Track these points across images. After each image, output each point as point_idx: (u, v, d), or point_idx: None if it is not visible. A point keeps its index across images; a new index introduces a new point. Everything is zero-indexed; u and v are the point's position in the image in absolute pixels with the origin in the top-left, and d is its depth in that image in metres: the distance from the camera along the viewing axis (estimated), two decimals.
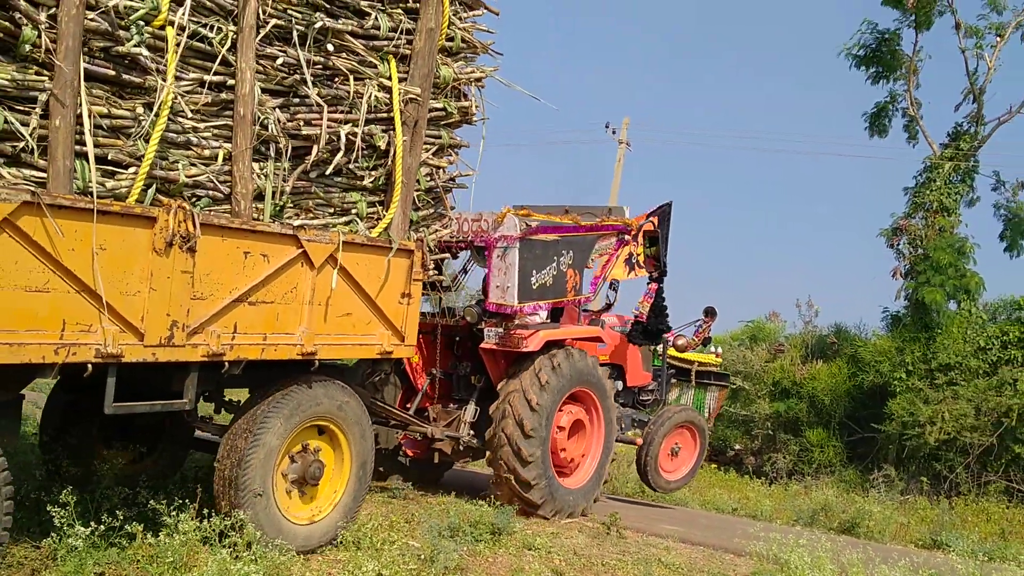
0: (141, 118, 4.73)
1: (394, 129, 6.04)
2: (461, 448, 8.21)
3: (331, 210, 5.87)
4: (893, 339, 17.34)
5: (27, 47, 4.27)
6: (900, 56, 18.37)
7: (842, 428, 17.33)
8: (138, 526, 4.84)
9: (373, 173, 6.05)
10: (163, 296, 4.75)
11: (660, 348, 10.11)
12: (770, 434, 17.69)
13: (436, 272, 7.22)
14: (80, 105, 4.43)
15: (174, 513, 4.95)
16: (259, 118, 5.24)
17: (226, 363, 5.16)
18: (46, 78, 4.34)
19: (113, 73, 4.63)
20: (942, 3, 17.62)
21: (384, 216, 6.10)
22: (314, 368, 5.69)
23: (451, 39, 6.48)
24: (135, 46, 4.66)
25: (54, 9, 4.36)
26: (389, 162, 6.08)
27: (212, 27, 5.04)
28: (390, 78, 6.00)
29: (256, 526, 5.20)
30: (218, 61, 5.03)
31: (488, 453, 7.97)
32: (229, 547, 4.96)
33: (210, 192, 5.08)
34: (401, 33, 6.05)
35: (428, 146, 6.48)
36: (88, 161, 4.48)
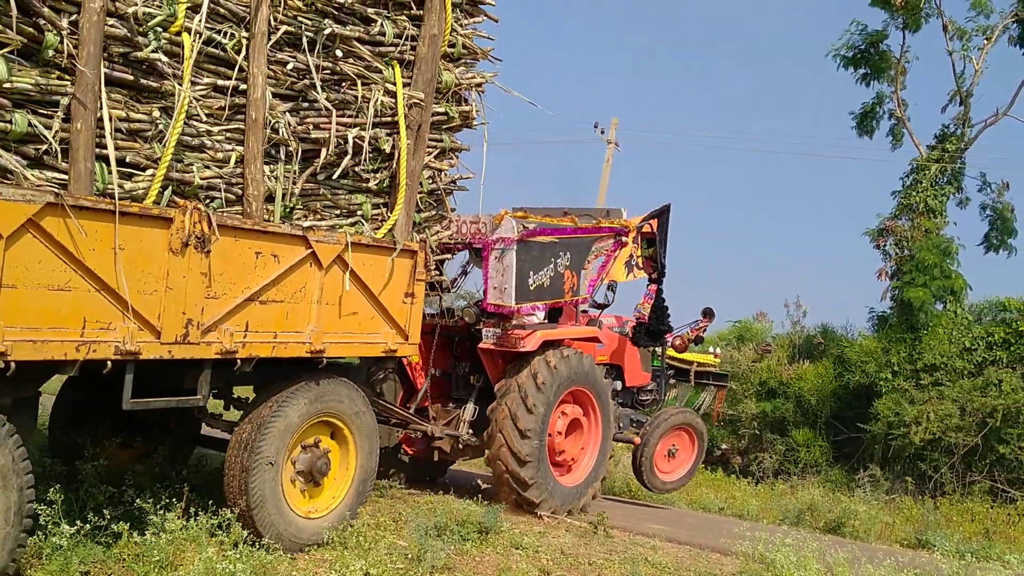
0: (158, 121, 4.86)
1: (398, 133, 6.18)
2: (460, 446, 8.35)
3: (337, 212, 6.01)
4: (879, 340, 17.48)
5: (50, 52, 4.39)
6: (888, 57, 18.55)
7: (828, 428, 17.49)
8: (124, 525, 4.85)
9: (378, 176, 6.20)
10: (179, 295, 4.88)
11: (659, 349, 10.28)
12: (757, 434, 17.79)
13: (438, 273, 7.37)
14: (100, 109, 4.56)
15: (160, 512, 4.99)
16: (270, 122, 5.38)
17: (238, 360, 5.29)
18: (68, 82, 4.46)
19: (131, 78, 4.76)
20: (930, 5, 17.82)
21: (388, 218, 6.25)
22: (321, 366, 5.83)
23: (453, 45, 6.64)
24: (153, 52, 4.79)
25: (76, 15, 4.48)
26: (393, 165, 6.23)
27: (225, 33, 5.18)
28: (395, 83, 6.15)
29: (259, 497, 5.38)
30: (236, 68, 5.16)
31: (487, 452, 8.12)
32: (216, 545, 4.99)
33: (223, 194, 5.22)
34: (405, 39, 6.21)
35: (430, 149, 6.64)
36: (107, 163, 4.60)
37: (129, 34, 4.70)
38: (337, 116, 5.74)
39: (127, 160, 4.75)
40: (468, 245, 8.31)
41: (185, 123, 4.97)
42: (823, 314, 34.32)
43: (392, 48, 6.14)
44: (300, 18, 5.55)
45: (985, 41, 17.86)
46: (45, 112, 4.42)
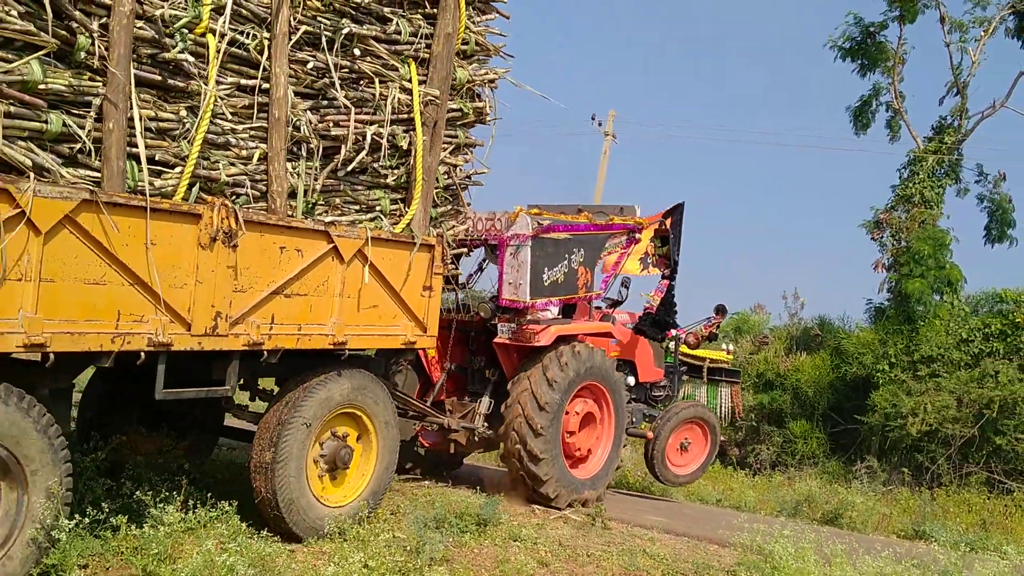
0: (185, 120, 5.01)
1: (415, 129, 6.32)
2: (476, 439, 8.49)
3: (357, 207, 6.15)
4: (876, 331, 17.44)
5: (82, 54, 4.54)
6: (885, 49, 18.56)
7: (825, 420, 17.49)
8: (122, 517, 4.85)
9: (395, 172, 6.34)
10: (208, 288, 5.03)
11: (672, 345, 10.39)
12: (754, 426, 17.76)
13: (454, 267, 7.51)
14: (131, 109, 4.71)
15: (160, 504, 5.04)
16: (292, 120, 5.53)
17: (265, 352, 5.44)
18: (100, 83, 4.61)
19: (159, 78, 4.90)
20: None
21: (406, 213, 6.39)
22: (344, 357, 5.98)
23: (466, 43, 6.77)
24: (179, 53, 4.94)
25: (105, 18, 4.63)
26: (410, 161, 6.38)
27: (248, 34, 5.32)
28: (411, 81, 6.29)
29: (286, 453, 5.56)
30: (259, 67, 5.30)
31: (501, 445, 8.26)
32: (215, 538, 5.01)
33: (248, 190, 5.36)
34: (421, 37, 6.35)
35: (446, 145, 6.78)
36: (138, 162, 4.75)
37: (157, 36, 4.84)
38: (356, 114, 5.89)
39: (156, 158, 4.89)
40: (484, 242, 8.45)
41: (211, 122, 5.12)
42: (820, 306, 34.33)
43: (408, 46, 6.28)
44: (319, 18, 5.69)
45: (982, 33, 17.87)
46: (78, 112, 4.56)
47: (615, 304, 10.06)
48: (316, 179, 5.77)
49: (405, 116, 6.29)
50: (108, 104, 4.61)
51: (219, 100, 5.19)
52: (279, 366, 5.68)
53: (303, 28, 5.59)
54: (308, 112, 5.67)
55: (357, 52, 5.92)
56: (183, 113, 5.02)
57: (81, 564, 4.67)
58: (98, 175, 4.61)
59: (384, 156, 6.11)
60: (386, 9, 6.12)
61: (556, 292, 8.46)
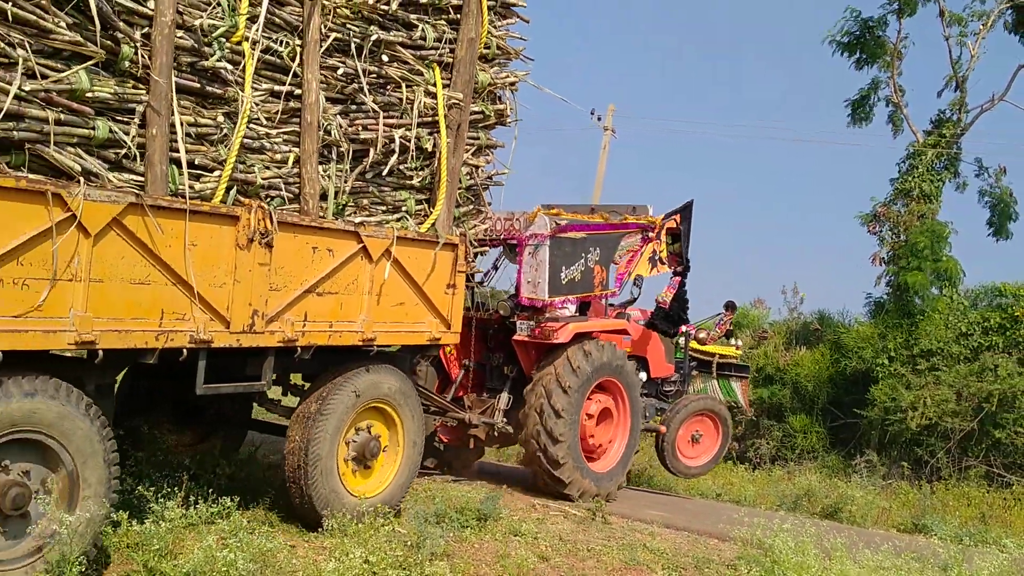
0: (222, 126, 5.20)
1: (439, 132, 6.51)
2: (495, 434, 8.68)
3: (383, 207, 6.35)
4: (875, 325, 17.47)
5: (126, 63, 4.73)
6: (884, 43, 18.53)
7: (825, 414, 17.54)
8: (123, 513, 4.79)
9: (420, 173, 6.53)
10: (245, 287, 5.23)
11: (682, 341, 10.58)
12: (754, 420, 17.75)
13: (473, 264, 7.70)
14: (173, 115, 4.90)
15: (161, 500, 5.08)
16: (323, 124, 5.72)
17: (298, 348, 5.64)
18: (143, 91, 4.80)
19: (198, 85, 5.10)
20: None
21: (431, 213, 6.58)
22: (372, 353, 6.17)
23: (487, 46, 6.95)
24: (218, 61, 5.13)
25: (147, 28, 4.82)
26: (435, 163, 6.56)
27: (281, 42, 5.51)
28: (435, 85, 6.47)
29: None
30: (291, 74, 5.49)
31: (521, 437, 8.45)
32: (216, 534, 5.03)
33: (282, 193, 5.56)
34: (445, 43, 6.53)
35: (468, 147, 6.96)
36: (179, 166, 4.95)
37: (196, 45, 5.04)
38: (384, 118, 6.07)
39: (196, 162, 5.09)
40: (503, 241, 8.64)
41: (247, 127, 5.31)
42: (820, 300, 34.36)
43: (432, 51, 6.47)
44: (348, 25, 5.88)
45: (981, 26, 17.85)
46: (123, 119, 4.76)
47: (628, 302, 10.23)
48: (346, 181, 5.96)
49: (430, 119, 6.48)
50: (151, 111, 4.80)
51: (254, 106, 5.38)
52: (310, 362, 5.87)
53: (333, 35, 5.78)
54: (338, 116, 5.86)
55: (385, 58, 6.10)
56: (220, 119, 5.21)
57: (82, 560, 4.57)
58: (142, 179, 4.80)
59: (411, 158, 6.29)
60: (412, 16, 6.31)
61: (573, 290, 8.65)
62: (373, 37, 5.98)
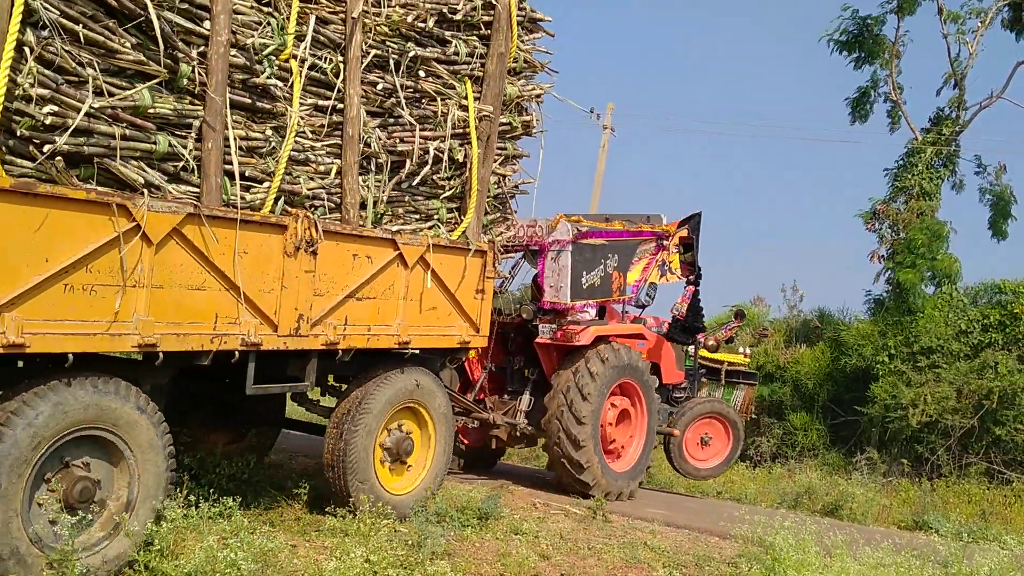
0: (270, 139, 5.47)
1: (470, 144, 6.77)
2: (517, 434, 8.95)
3: (417, 216, 6.62)
4: (875, 323, 17.36)
5: (184, 80, 5.01)
6: (882, 41, 18.47)
7: (825, 411, 17.46)
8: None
9: (451, 183, 6.80)
10: (292, 293, 5.50)
11: (692, 348, 10.80)
12: (754, 418, 17.33)
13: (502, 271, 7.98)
14: (227, 129, 5.18)
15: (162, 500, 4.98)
16: (363, 137, 5.99)
17: (339, 351, 5.91)
18: (199, 107, 5.08)
19: (249, 101, 5.37)
20: None
21: (461, 221, 6.85)
22: (407, 356, 6.44)
23: (515, 60, 7.21)
24: (268, 78, 5.40)
25: (203, 47, 5.09)
26: (466, 173, 6.83)
27: (324, 58, 5.79)
28: (467, 98, 6.74)
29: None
30: (335, 89, 5.77)
31: (543, 438, 8.72)
32: (217, 534, 5.00)
33: (325, 202, 5.83)
34: (476, 57, 6.80)
35: (496, 157, 7.22)
36: (231, 178, 5.22)
37: (248, 63, 5.31)
38: (419, 130, 6.34)
39: (246, 174, 5.36)
40: (525, 247, 8.91)
41: (293, 140, 5.58)
42: (820, 298, 34.42)
43: (464, 66, 6.73)
44: (387, 42, 6.16)
45: (979, 24, 17.79)
46: (181, 133, 5.03)
47: (641, 308, 10.46)
48: (383, 191, 6.22)
49: (461, 131, 6.74)
50: (207, 126, 5.07)
51: (300, 120, 5.64)
52: (349, 364, 6.14)
53: (373, 52, 6.05)
54: (377, 129, 6.13)
55: (421, 73, 6.37)
56: (268, 133, 5.49)
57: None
58: (197, 190, 5.08)
59: (445, 168, 6.56)
60: (447, 32, 6.58)
61: (593, 295, 8.93)
62: (411, 53, 6.25)
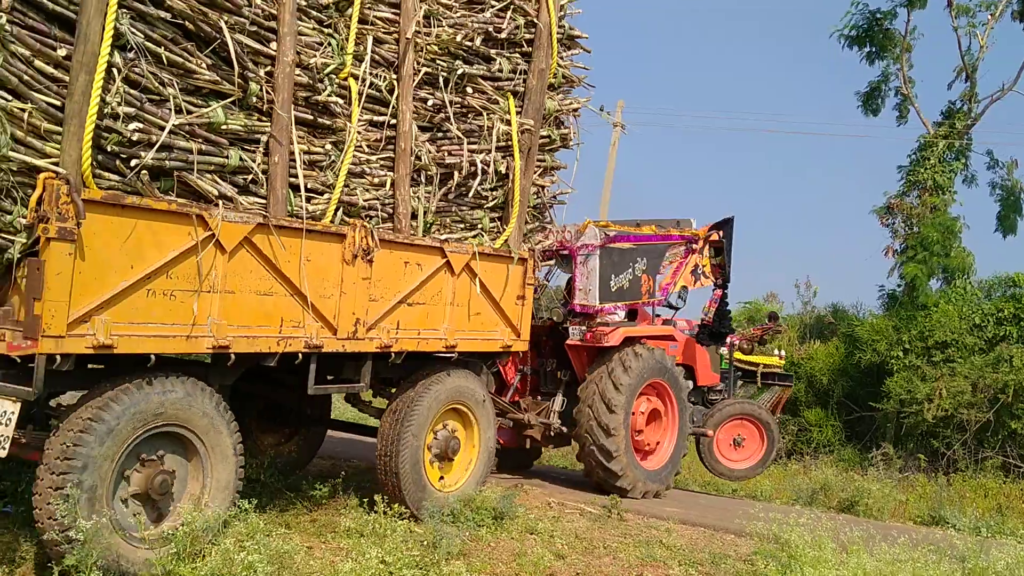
0: (330, 153, 5.79)
1: (512, 156, 7.07)
2: (551, 434, 9.21)
3: (462, 225, 6.92)
4: (890, 318, 17.47)
5: (253, 98, 5.33)
6: (893, 35, 18.61)
7: (840, 407, 17.53)
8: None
9: (494, 193, 7.09)
10: (350, 298, 5.81)
11: (727, 351, 11.00)
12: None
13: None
14: (292, 144, 5.49)
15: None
16: (415, 150, 6.30)
17: (392, 354, 6.21)
18: (267, 123, 5.40)
19: (311, 117, 5.69)
20: None
21: (504, 230, 7.15)
22: (454, 360, 6.74)
23: (554, 76, 7.51)
24: (328, 95, 5.72)
25: (270, 67, 5.42)
26: (508, 184, 7.12)
27: (379, 76, 6.10)
28: (509, 112, 7.04)
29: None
30: (390, 106, 6.09)
31: (576, 431, 8.97)
32: (233, 536, 5.03)
33: (379, 213, 6.14)
34: (519, 73, 7.10)
35: (536, 168, 7.52)
36: (296, 190, 5.54)
37: (311, 81, 5.63)
38: (467, 144, 6.65)
39: (308, 186, 5.67)
40: (556, 252, 9.18)
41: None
42: (833, 294, 34.34)
43: (507, 82, 7.04)
44: (437, 61, 6.46)
45: (989, 17, 17.91)
46: (250, 148, 5.35)
47: (674, 311, 10.70)
48: (432, 202, 6.53)
49: (504, 144, 7.04)
50: (274, 141, 5.40)
51: (357, 135, 5.96)
52: (399, 366, 6.44)
53: (423, 70, 6.36)
54: (427, 143, 6.44)
55: (469, 89, 6.68)
56: (328, 147, 5.80)
57: (101, 565, 4.63)
58: (264, 201, 5.39)
59: (491, 180, 6.87)
60: (492, 50, 6.88)
61: (622, 297, 9.19)
62: (459, 71, 6.56)
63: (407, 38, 6.14)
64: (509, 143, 7.05)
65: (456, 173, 6.63)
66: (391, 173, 6.21)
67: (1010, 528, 9.62)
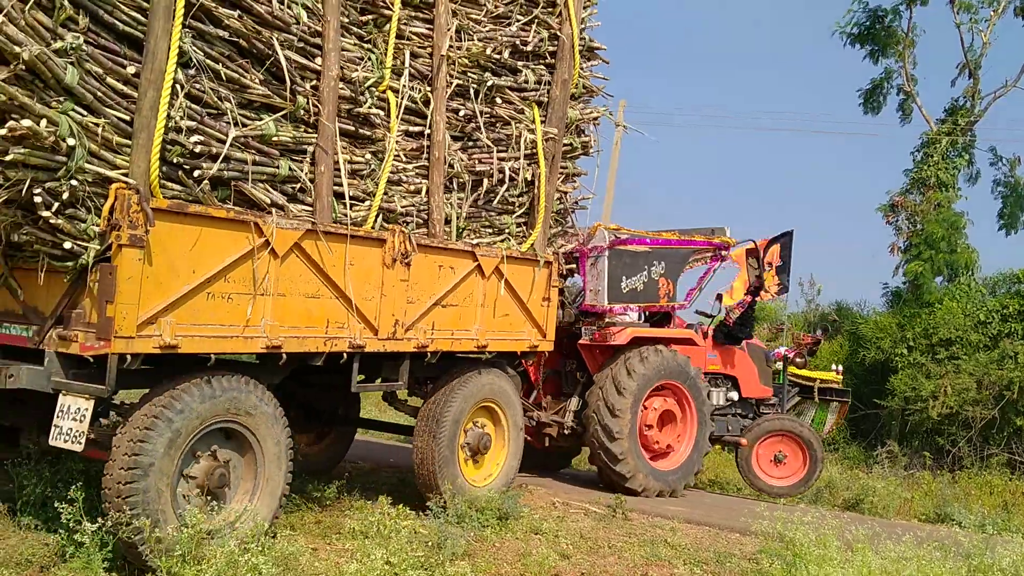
0: (370, 163, 6.08)
1: (538, 163, 7.37)
2: (565, 432, 9.45)
3: (491, 230, 7.21)
4: (894, 315, 17.41)
5: (301, 111, 5.62)
6: (895, 33, 18.50)
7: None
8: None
9: (521, 199, 7.39)
10: (390, 300, 6.10)
11: (781, 365, 10.94)
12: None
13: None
14: (336, 154, 5.78)
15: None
16: (448, 159, 6.59)
17: (428, 353, 6.50)
18: (313, 134, 5.68)
19: (353, 128, 5.99)
20: None
21: (530, 235, 7.44)
22: (485, 359, 7.03)
23: (576, 86, 7.81)
24: (369, 107, 6.01)
25: (315, 81, 5.71)
26: (533, 190, 7.42)
27: (414, 88, 6.40)
28: (534, 122, 7.34)
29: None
30: (427, 117, 6.39)
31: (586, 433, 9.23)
32: (237, 539, 5.03)
33: (414, 219, 6.43)
34: (543, 84, 7.40)
35: (559, 175, 7.81)
36: (340, 197, 5.83)
37: (353, 94, 5.93)
38: (496, 152, 6.95)
39: (351, 194, 5.96)
40: (569, 254, 9.44)
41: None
42: (837, 292, 34.49)
43: (533, 92, 7.34)
44: (468, 73, 6.76)
45: (992, 13, 17.99)
46: (297, 159, 5.64)
47: (708, 317, 10.71)
48: (463, 208, 6.83)
49: (529, 152, 7.34)
50: (320, 151, 5.69)
51: (395, 145, 6.25)
52: (434, 366, 6.73)
53: (456, 82, 6.66)
54: (459, 152, 6.74)
55: (497, 100, 6.98)
56: (368, 156, 6.10)
57: (106, 568, 4.69)
58: (310, 209, 5.68)
59: (520, 186, 7.16)
60: (519, 63, 7.19)
61: (636, 299, 9.42)
62: (488, 82, 6.86)
63: (442, 55, 6.43)
64: (535, 151, 7.34)
65: (486, 180, 6.92)
66: (426, 181, 6.50)
67: (1016, 525, 9.63)
